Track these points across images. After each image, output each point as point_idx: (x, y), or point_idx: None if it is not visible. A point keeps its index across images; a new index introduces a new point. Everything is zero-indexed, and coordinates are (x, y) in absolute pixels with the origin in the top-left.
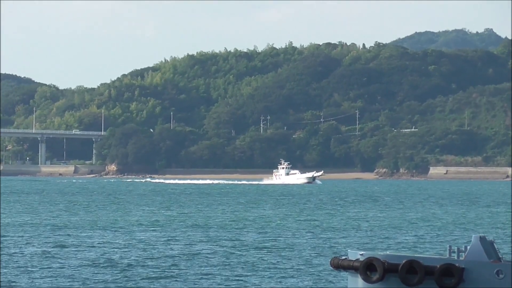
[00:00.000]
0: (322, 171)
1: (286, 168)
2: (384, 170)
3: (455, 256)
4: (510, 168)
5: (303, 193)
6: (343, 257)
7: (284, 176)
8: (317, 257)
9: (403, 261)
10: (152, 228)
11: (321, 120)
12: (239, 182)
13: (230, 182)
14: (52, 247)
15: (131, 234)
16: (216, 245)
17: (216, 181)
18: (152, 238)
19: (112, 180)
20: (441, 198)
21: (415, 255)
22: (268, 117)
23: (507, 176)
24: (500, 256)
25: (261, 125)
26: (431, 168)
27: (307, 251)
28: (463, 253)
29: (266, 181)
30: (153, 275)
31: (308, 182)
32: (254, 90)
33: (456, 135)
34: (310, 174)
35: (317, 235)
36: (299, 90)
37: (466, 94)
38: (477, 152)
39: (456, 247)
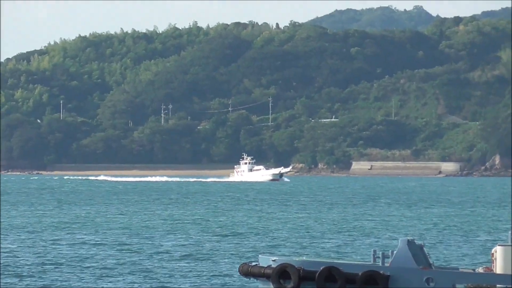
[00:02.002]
0: (291, 167)
1: (249, 163)
2: (301, 165)
3: (379, 262)
4: (443, 163)
5: (252, 191)
6: (253, 263)
7: (247, 173)
8: (225, 263)
9: (321, 268)
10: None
11: (230, 109)
12: (195, 179)
13: (186, 179)
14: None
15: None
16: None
17: (174, 179)
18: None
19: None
20: (368, 196)
21: (335, 261)
22: (170, 106)
23: (440, 172)
24: (431, 262)
25: (162, 115)
26: (353, 163)
27: (214, 256)
28: (388, 259)
29: (228, 179)
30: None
31: (273, 180)
32: (154, 75)
33: (382, 126)
34: (276, 171)
35: (226, 238)
36: (204, 75)
37: (393, 79)
38: (405, 145)
39: (381, 252)
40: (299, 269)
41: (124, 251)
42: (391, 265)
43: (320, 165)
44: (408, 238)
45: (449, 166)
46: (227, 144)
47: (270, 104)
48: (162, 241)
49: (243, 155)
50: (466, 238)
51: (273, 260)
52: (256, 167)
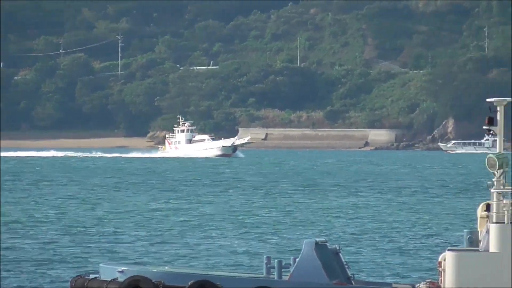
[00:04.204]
0: (249, 137)
1: (187, 130)
2: (164, 133)
3: (275, 274)
4: (372, 130)
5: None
6: (92, 276)
7: (185, 145)
8: (59, 272)
9: (190, 283)
10: None
11: (61, 51)
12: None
13: (102, 155)
14: None
15: None
16: None
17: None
18: None
19: None
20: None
21: (210, 272)
22: None
23: (366, 143)
24: (350, 275)
25: None
26: (241, 130)
27: (60, 262)
28: (288, 270)
29: (157, 153)
30: None
31: (224, 155)
32: None
33: (282, 77)
34: (228, 142)
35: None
36: (24, 1)
37: (299, 8)
38: (317, 104)
39: (276, 260)
40: (157, 284)
41: None
42: (291, 279)
43: None
44: (317, 239)
45: (380, 135)
46: (57, 102)
47: (119, 45)
48: None
49: (178, 118)
50: (402, 240)
51: (120, 271)
52: (198, 136)
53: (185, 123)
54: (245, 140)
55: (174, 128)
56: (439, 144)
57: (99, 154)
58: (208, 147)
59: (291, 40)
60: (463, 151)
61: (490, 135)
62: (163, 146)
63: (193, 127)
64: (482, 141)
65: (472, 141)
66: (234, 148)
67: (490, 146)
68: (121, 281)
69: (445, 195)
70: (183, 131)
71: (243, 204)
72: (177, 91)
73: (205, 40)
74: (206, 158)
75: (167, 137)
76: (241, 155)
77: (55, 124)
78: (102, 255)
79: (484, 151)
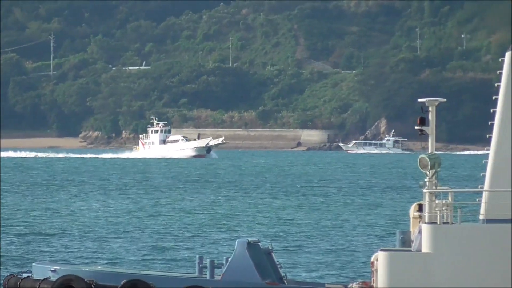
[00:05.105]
0: (223, 137)
1: (161, 131)
2: (96, 133)
3: (207, 274)
4: (304, 130)
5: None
6: (25, 275)
7: (159, 146)
8: None
9: (123, 282)
10: None
11: None
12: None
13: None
14: None
15: None
16: None
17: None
18: None
19: None
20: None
21: (143, 272)
22: None
23: (299, 144)
24: (283, 275)
25: None
26: (173, 130)
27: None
28: (221, 269)
29: (130, 153)
30: None
31: (198, 155)
32: None
33: (214, 77)
34: (202, 142)
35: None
36: None
37: (230, 8)
38: (249, 104)
39: (209, 260)
40: (90, 282)
41: None
42: (223, 279)
43: (124, 134)
44: (249, 239)
45: (312, 135)
46: None
47: (52, 45)
48: None
49: (151, 118)
50: (334, 240)
51: (52, 270)
52: (172, 137)
53: (158, 123)
54: (219, 140)
55: (147, 129)
56: (340, 144)
57: (71, 155)
58: (182, 148)
59: (223, 40)
60: (363, 151)
61: (420, 135)
62: (137, 147)
63: (167, 128)
64: (383, 141)
65: (373, 141)
66: (209, 148)
67: (391, 146)
68: (54, 280)
69: (378, 195)
70: (156, 131)
71: (176, 204)
72: (109, 91)
73: (137, 40)
74: (180, 158)
75: (141, 138)
76: (214, 155)
77: None
78: (36, 254)
79: (386, 151)
